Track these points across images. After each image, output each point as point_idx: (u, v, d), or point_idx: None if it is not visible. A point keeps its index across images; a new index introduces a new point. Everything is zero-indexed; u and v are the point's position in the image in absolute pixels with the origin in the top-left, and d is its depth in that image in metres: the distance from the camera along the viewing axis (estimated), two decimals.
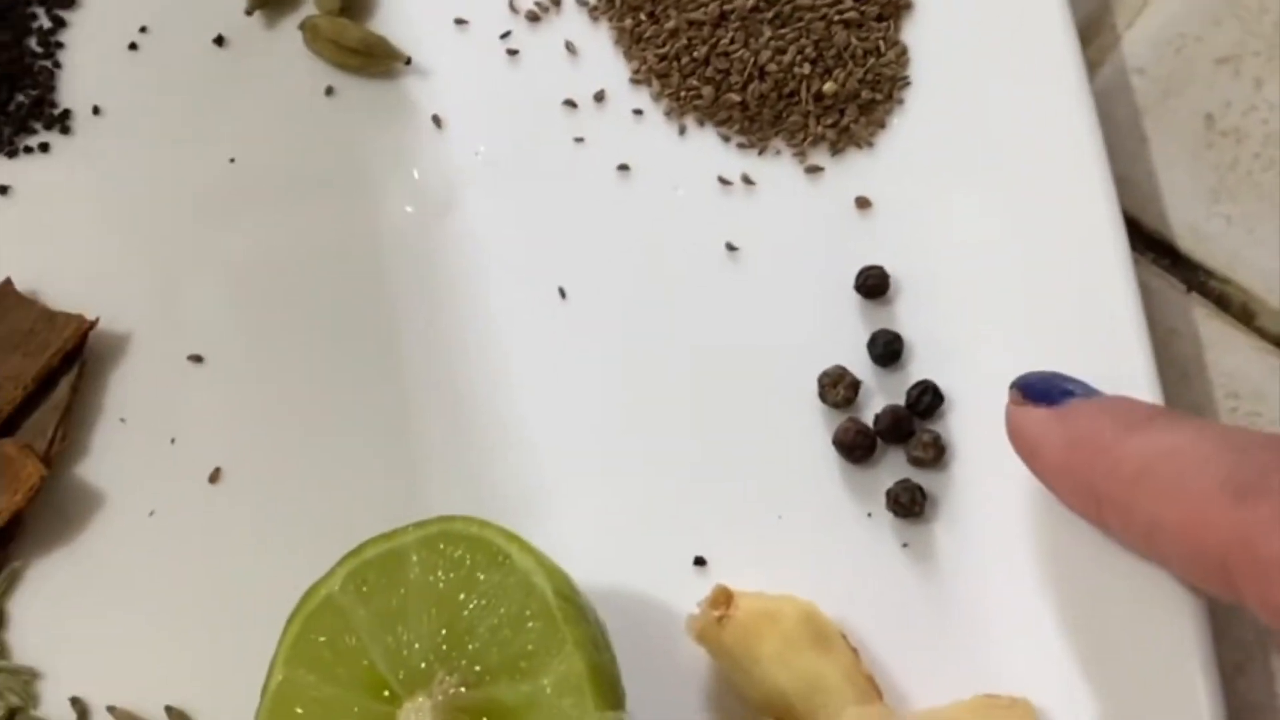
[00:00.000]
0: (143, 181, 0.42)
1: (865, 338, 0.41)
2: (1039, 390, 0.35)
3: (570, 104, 0.44)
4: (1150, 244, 0.45)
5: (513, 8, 0.45)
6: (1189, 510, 0.30)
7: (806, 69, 0.43)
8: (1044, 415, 0.34)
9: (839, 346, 0.41)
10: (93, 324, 0.40)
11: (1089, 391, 0.35)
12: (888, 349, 0.41)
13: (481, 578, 0.32)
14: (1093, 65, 0.47)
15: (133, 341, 0.41)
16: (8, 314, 0.40)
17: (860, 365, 0.41)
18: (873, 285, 0.41)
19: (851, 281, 0.42)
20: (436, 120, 0.44)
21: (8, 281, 0.40)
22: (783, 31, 0.44)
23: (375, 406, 0.40)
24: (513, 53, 0.45)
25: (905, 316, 0.41)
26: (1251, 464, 0.29)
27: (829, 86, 0.43)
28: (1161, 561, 0.34)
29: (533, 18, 0.45)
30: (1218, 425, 0.34)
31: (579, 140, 0.44)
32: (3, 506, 0.37)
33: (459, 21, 0.45)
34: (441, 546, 0.33)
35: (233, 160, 0.43)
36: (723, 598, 0.36)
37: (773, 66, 0.43)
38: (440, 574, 0.32)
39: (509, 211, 0.43)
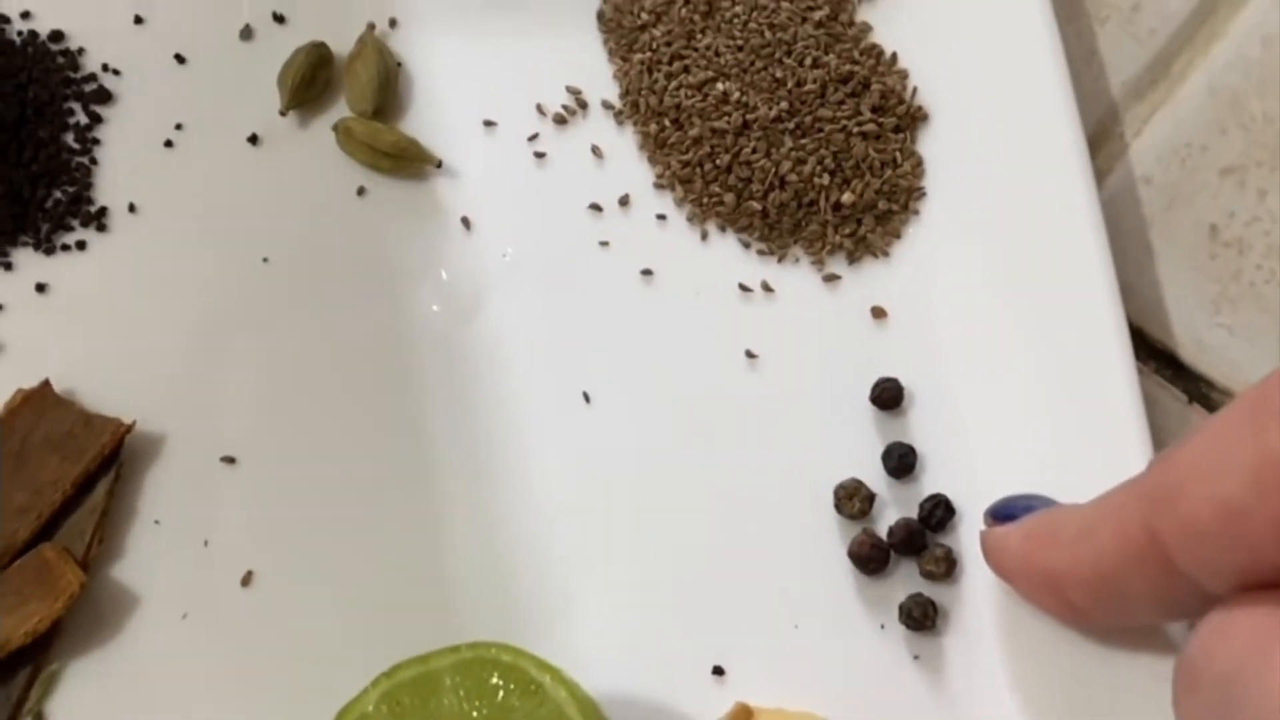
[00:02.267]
0: (177, 280, 0.43)
1: (880, 447, 0.42)
2: (1002, 514, 0.39)
3: (595, 208, 0.45)
4: (1153, 353, 0.47)
5: (540, 111, 0.46)
6: (1114, 522, 0.32)
7: (826, 179, 0.45)
8: (1006, 529, 0.38)
9: (854, 456, 0.42)
10: (129, 427, 0.41)
11: (1049, 506, 0.38)
12: (902, 462, 0.42)
13: (515, 705, 0.33)
14: (1101, 174, 0.48)
15: (167, 443, 0.41)
16: (46, 416, 0.41)
17: (874, 474, 0.42)
18: (888, 398, 0.43)
19: (867, 391, 0.43)
20: (465, 222, 0.45)
21: (46, 384, 0.41)
22: (803, 142, 0.45)
23: (403, 509, 0.41)
24: (540, 155, 0.46)
25: (919, 427, 0.43)
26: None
27: (847, 197, 0.45)
28: (1118, 610, 0.35)
29: (560, 121, 0.46)
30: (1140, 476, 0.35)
31: (604, 244, 0.45)
32: (42, 614, 0.38)
33: (488, 123, 0.46)
34: (476, 672, 0.34)
35: (266, 260, 0.44)
36: (743, 715, 0.37)
37: (793, 176, 0.44)
38: (474, 700, 0.33)
39: (535, 314, 0.44)
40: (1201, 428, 0.29)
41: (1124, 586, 0.33)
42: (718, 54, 0.46)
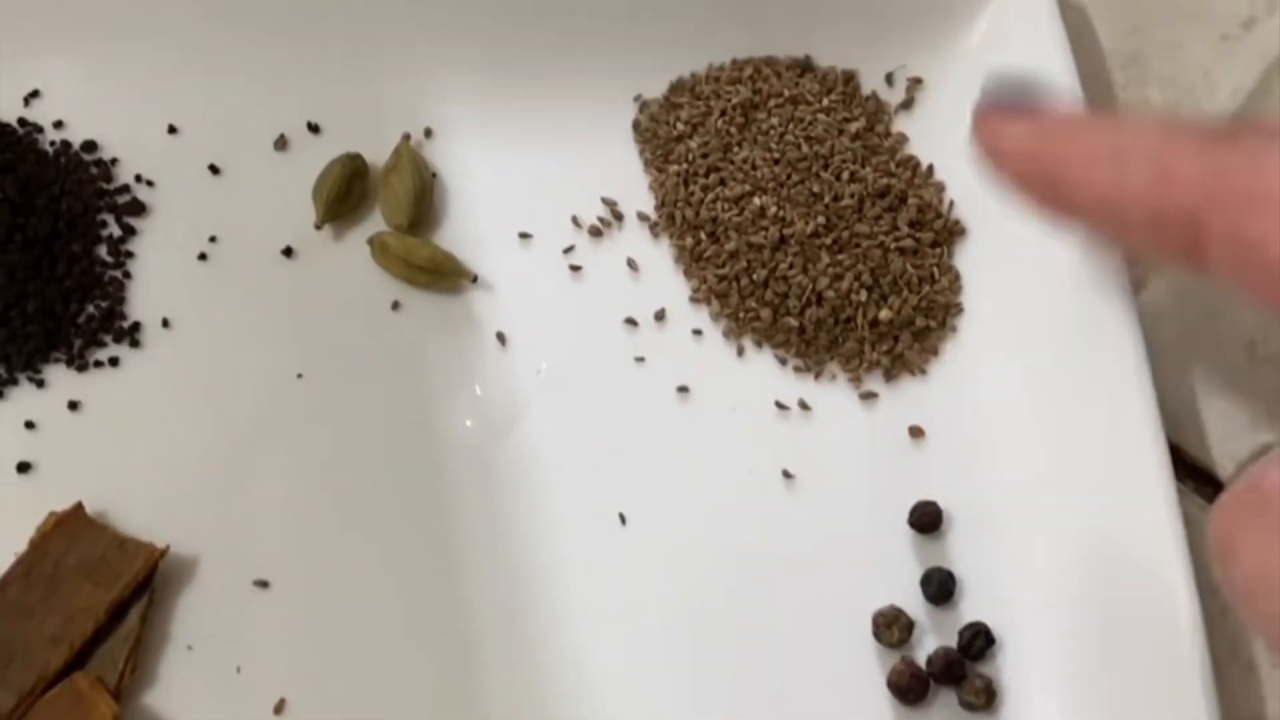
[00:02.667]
0: (211, 398, 0.43)
1: (918, 572, 0.42)
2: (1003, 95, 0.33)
3: (631, 322, 0.45)
4: (1191, 472, 0.46)
5: (576, 223, 0.46)
6: (1154, 170, 0.28)
7: (863, 295, 0.44)
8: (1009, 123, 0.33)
9: (892, 581, 0.42)
10: (163, 552, 0.40)
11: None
12: (941, 589, 0.41)
13: None
14: (1137, 284, 0.48)
15: (200, 565, 0.41)
16: (79, 540, 0.40)
17: (912, 600, 0.42)
18: (927, 522, 0.42)
19: (905, 513, 0.42)
20: (500, 337, 0.44)
21: (79, 506, 0.41)
22: (840, 258, 0.44)
23: (437, 632, 0.41)
24: (575, 269, 0.46)
25: (958, 551, 0.42)
26: (1226, 127, 0.27)
27: (885, 314, 0.44)
28: (1113, 236, 0.33)
29: (595, 233, 0.46)
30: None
31: (639, 360, 0.45)
32: None
33: (523, 235, 0.46)
34: None
35: (300, 376, 0.43)
36: None
37: (830, 293, 0.44)
38: None
39: (569, 431, 0.44)
40: None
41: (1128, 229, 0.29)
42: (754, 167, 0.46)
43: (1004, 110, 0.33)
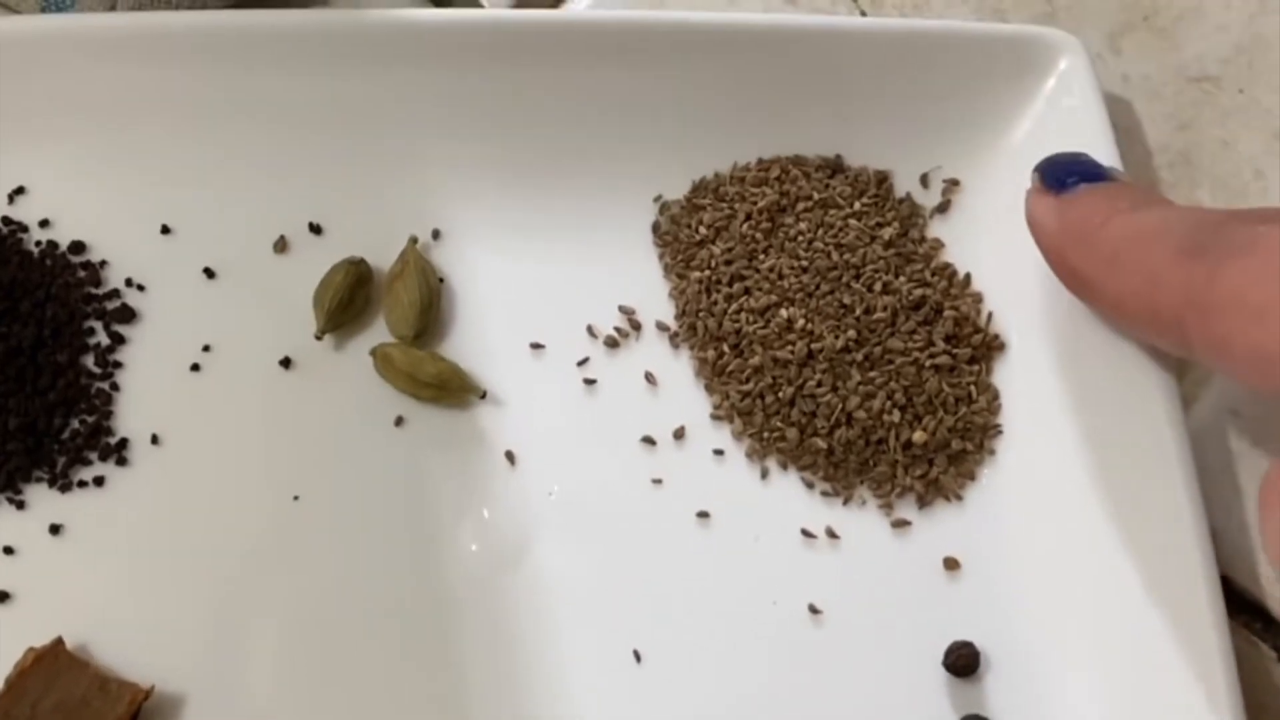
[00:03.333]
0: (202, 521, 0.40)
1: (953, 718, 0.39)
2: (1051, 176, 0.38)
3: (649, 441, 0.42)
4: (1242, 605, 0.44)
5: (591, 333, 0.44)
6: (1146, 277, 0.33)
7: (896, 416, 0.42)
8: (1049, 202, 0.38)
9: None
10: (148, 693, 0.38)
11: (1098, 175, 0.38)
12: None
13: None
14: (1186, 401, 0.45)
15: (187, 707, 0.39)
16: (58, 679, 0.38)
17: None
18: (963, 665, 0.40)
19: (939, 654, 0.40)
20: (509, 456, 0.42)
21: (59, 642, 0.38)
22: (872, 375, 0.42)
23: None
24: (590, 382, 0.43)
25: (995, 697, 0.40)
26: (1206, 229, 0.32)
27: (918, 435, 0.42)
28: (1131, 333, 0.38)
29: (611, 344, 0.43)
30: (1196, 208, 0.37)
31: (657, 481, 0.42)
32: None
33: (535, 346, 0.43)
34: None
35: (296, 498, 0.41)
36: None
37: (861, 413, 0.42)
38: None
39: (582, 559, 0.41)
40: (1258, 249, 0.30)
41: (1138, 326, 0.36)
42: (781, 276, 0.43)
43: (1046, 184, 0.38)
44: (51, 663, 0.38)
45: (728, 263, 0.44)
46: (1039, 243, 0.38)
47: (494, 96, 0.44)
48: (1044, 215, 0.38)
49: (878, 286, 0.43)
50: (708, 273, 0.44)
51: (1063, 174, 0.38)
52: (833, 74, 0.44)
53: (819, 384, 0.42)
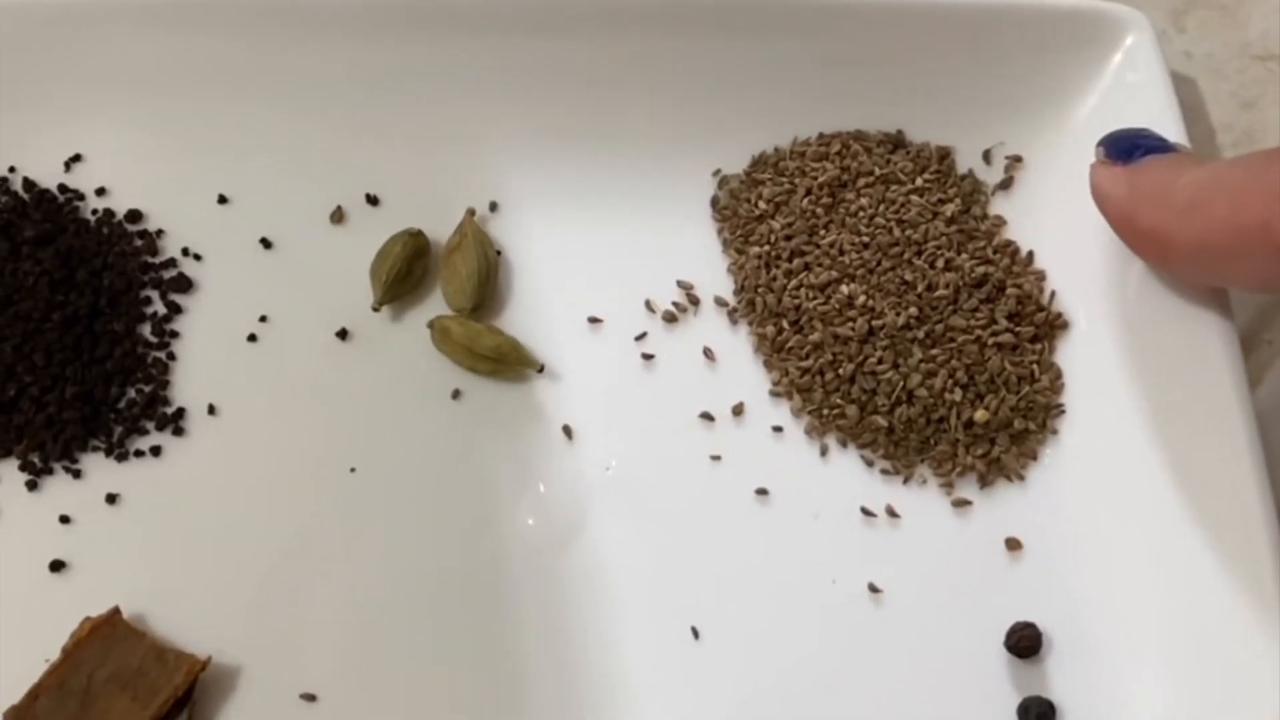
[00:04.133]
0: (258, 492, 0.40)
1: (1015, 700, 0.39)
2: (1116, 149, 0.38)
3: (707, 417, 0.42)
4: None
5: (649, 307, 0.43)
6: (1229, 201, 0.33)
7: (958, 394, 0.41)
8: (1116, 173, 0.37)
9: (986, 710, 0.39)
10: (204, 664, 0.37)
11: (1164, 147, 0.38)
12: None
13: None
14: (1251, 383, 0.45)
15: (243, 676, 0.38)
16: (115, 648, 0.38)
17: None
18: (1025, 646, 0.39)
19: (1001, 635, 0.39)
20: (567, 431, 0.41)
21: (115, 612, 0.38)
22: (933, 353, 0.41)
23: None
24: (648, 357, 0.43)
25: (1058, 678, 0.39)
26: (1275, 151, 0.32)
27: (980, 414, 0.41)
28: (1211, 277, 0.38)
29: (669, 319, 0.43)
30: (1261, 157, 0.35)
31: (715, 458, 0.41)
32: None
33: (593, 320, 0.43)
34: None
35: (353, 470, 0.40)
36: None
37: (922, 391, 0.41)
38: None
39: (639, 536, 0.41)
40: None
41: (1226, 264, 0.35)
42: (842, 251, 0.42)
43: (1112, 156, 0.38)
44: (108, 632, 0.38)
45: (788, 238, 0.43)
46: (1106, 212, 0.38)
47: (552, 68, 0.43)
48: (1112, 185, 0.38)
49: (940, 263, 0.42)
50: (767, 248, 0.43)
51: (1129, 146, 0.38)
52: (895, 48, 0.44)
53: (880, 361, 0.41)
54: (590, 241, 0.44)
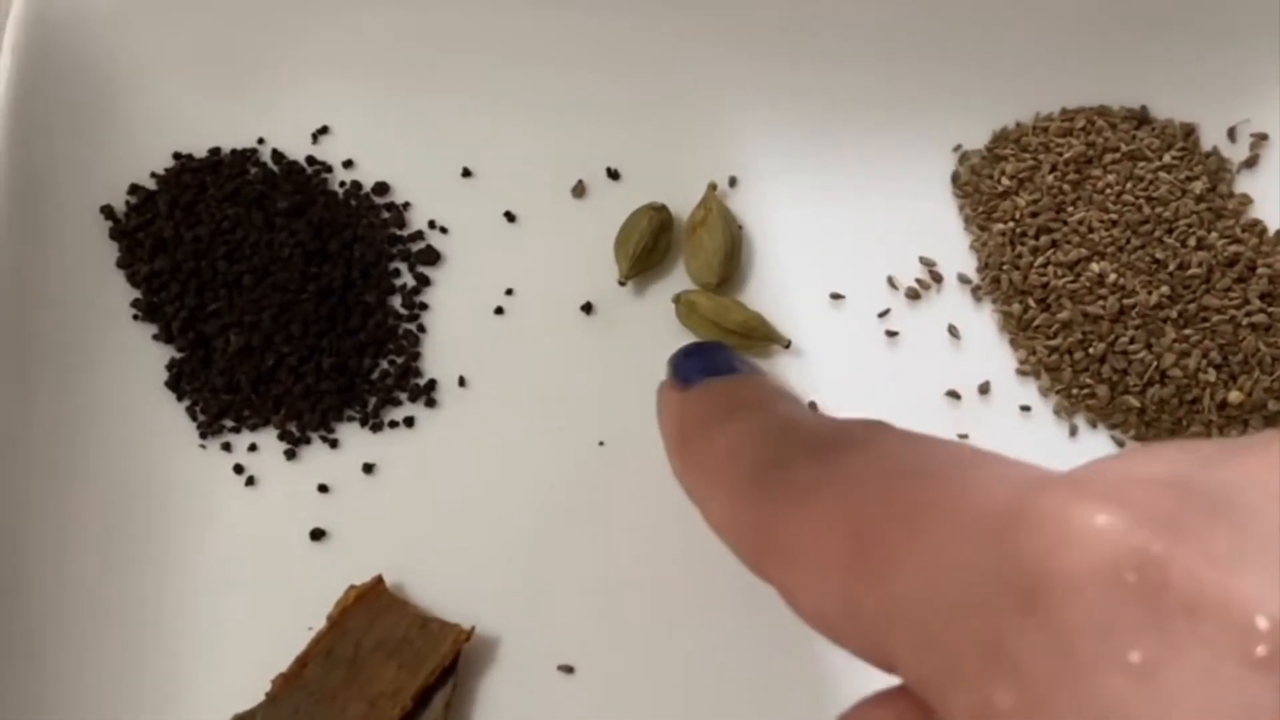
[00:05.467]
0: (509, 463, 0.40)
1: None
2: (678, 365, 0.31)
3: (953, 395, 0.41)
4: None
5: (892, 284, 0.43)
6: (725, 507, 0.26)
7: (1211, 375, 0.40)
8: (671, 399, 0.31)
9: None
10: (469, 634, 0.38)
11: (724, 369, 0.30)
12: None
13: None
14: None
15: (501, 647, 0.38)
16: (381, 618, 0.38)
17: None
18: None
19: None
20: (813, 407, 0.41)
21: (379, 581, 0.38)
22: (1187, 333, 0.41)
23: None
24: (891, 334, 0.42)
25: None
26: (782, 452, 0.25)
27: (1234, 395, 0.40)
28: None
29: (912, 295, 0.43)
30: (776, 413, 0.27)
31: (962, 436, 0.41)
32: None
33: (835, 296, 0.42)
34: None
35: (601, 443, 0.40)
36: None
37: (1176, 371, 0.40)
38: None
39: None
40: (809, 501, 0.22)
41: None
42: (1090, 229, 0.42)
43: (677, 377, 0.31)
44: (373, 601, 0.38)
45: (1033, 215, 0.42)
46: (664, 433, 0.32)
47: (792, 41, 0.43)
48: (666, 408, 0.31)
49: (1191, 241, 0.42)
50: (1012, 225, 0.43)
51: (686, 369, 0.31)
52: (1139, 21, 0.43)
53: (1132, 340, 0.41)
54: (830, 217, 0.43)
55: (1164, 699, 0.15)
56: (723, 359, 0.31)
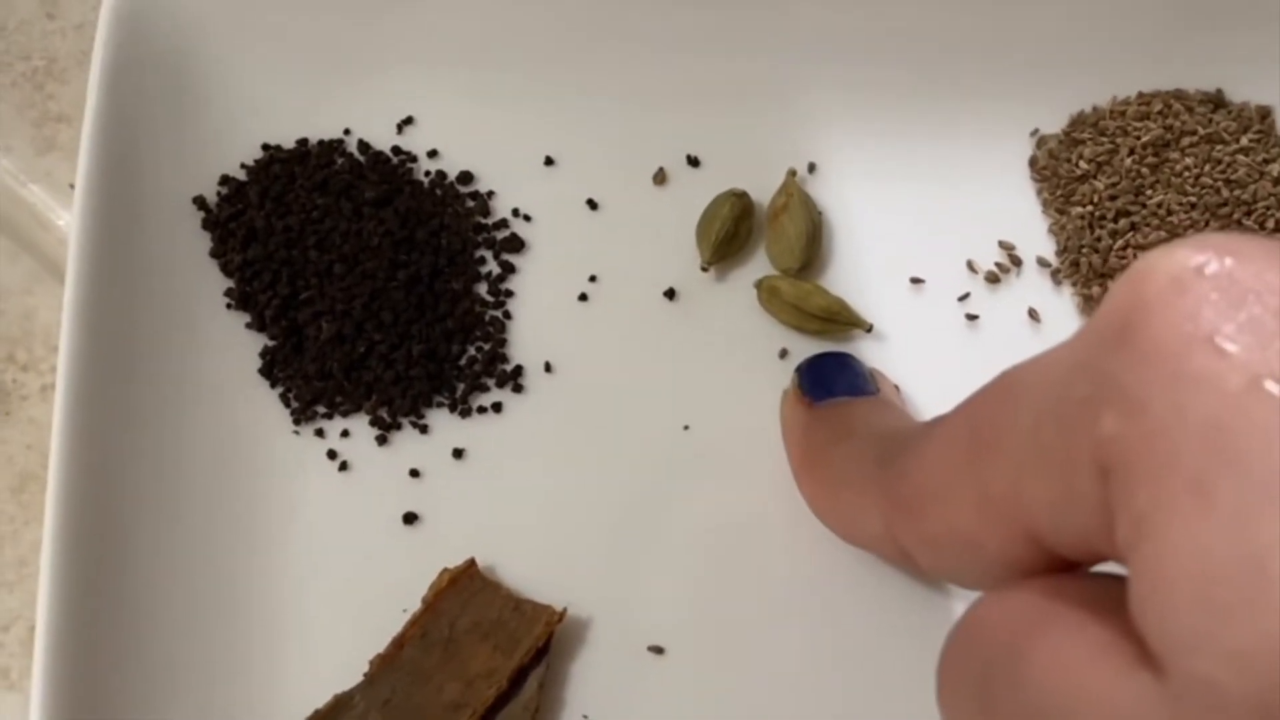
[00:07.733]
0: (597, 447, 0.41)
1: None
2: (808, 382, 0.37)
3: None
4: None
5: (971, 268, 0.43)
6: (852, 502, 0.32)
7: None
8: (799, 413, 0.37)
9: None
10: (561, 615, 0.38)
11: (853, 389, 0.36)
12: None
13: None
14: None
15: (591, 629, 0.39)
16: (474, 599, 0.38)
17: None
18: None
19: None
20: (896, 390, 0.41)
21: (472, 564, 0.39)
22: None
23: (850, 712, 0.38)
24: (972, 318, 0.42)
25: None
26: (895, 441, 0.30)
27: None
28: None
29: (992, 279, 0.43)
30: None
31: None
32: None
33: (915, 281, 0.43)
34: None
35: (687, 428, 0.41)
36: None
37: None
38: None
39: None
40: (932, 438, 0.27)
41: (865, 545, 0.34)
42: (1170, 212, 0.42)
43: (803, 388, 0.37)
44: (466, 583, 0.39)
45: (1112, 198, 0.43)
46: (785, 439, 0.39)
47: (870, 29, 0.43)
48: (791, 418, 0.38)
49: (1270, 224, 0.42)
50: (1090, 208, 0.43)
51: (816, 383, 0.38)
52: (1213, 4, 0.43)
53: None
54: (907, 201, 0.44)
55: (1252, 370, 0.17)
56: (846, 381, 0.37)
